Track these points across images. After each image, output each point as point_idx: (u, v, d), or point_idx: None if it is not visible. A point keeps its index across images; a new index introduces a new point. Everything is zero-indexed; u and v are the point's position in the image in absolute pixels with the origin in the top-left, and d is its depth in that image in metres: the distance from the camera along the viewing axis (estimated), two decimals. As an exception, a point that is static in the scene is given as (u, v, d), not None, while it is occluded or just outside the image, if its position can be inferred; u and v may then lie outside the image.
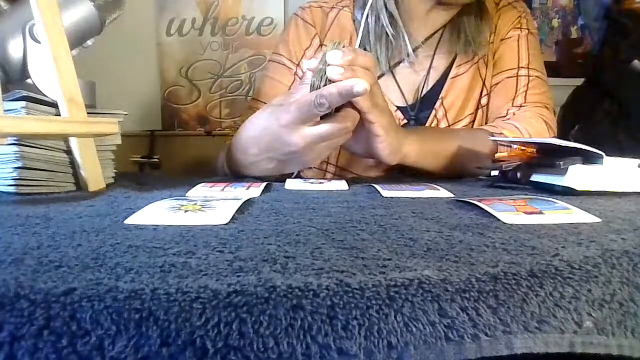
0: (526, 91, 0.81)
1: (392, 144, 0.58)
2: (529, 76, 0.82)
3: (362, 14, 0.78)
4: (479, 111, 0.84)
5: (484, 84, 0.84)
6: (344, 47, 0.52)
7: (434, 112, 0.82)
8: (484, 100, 0.84)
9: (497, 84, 0.84)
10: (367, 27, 0.81)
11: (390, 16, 0.80)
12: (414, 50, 0.81)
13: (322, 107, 0.50)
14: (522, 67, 0.83)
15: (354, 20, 0.85)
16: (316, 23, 0.87)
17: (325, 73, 0.50)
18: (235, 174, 0.65)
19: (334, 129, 0.52)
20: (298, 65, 0.86)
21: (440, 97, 0.82)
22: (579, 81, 1.45)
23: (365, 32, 0.81)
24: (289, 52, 0.86)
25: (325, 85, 0.50)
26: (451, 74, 0.82)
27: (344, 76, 0.50)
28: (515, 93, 0.82)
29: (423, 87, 0.83)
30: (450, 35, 0.83)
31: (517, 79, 0.82)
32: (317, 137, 0.52)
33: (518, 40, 0.84)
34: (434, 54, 0.83)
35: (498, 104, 0.83)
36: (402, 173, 0.76)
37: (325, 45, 0.85)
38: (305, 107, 0.51)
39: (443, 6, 0.80)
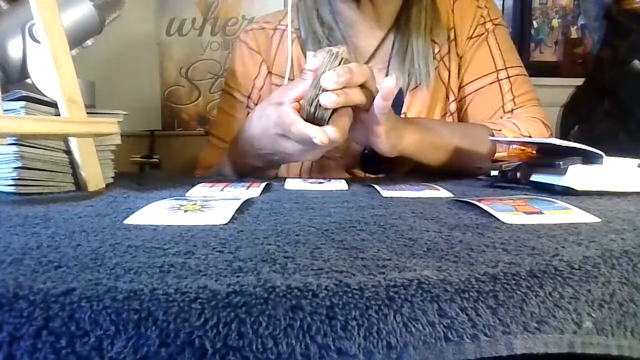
0: (513, 95, 0.79)
1: (391, 141, 0.58)
2: (509, 77, 0.79)
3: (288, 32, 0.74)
4: (449, 118, 0.81)
5: (449, 88, 0.80)
6: (341, 60, 0.50)
7: None
8: (452, 107, 0.81)
9: (476, 90, 0.80)
10: (306, 46, 0.78)
11: (330, 29, 0.77)
12: (366, 63, 0.78)
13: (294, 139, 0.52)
14: (500, 70, 0.80)
15: (299, 38, 0.80)
16: (261, 48, 0.84)
17: (316, 97, 0.49)
18: (241, 166, 0.66)
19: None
20: (249, 97, 0.83)
21: (402, 112, 0.78)
22: (579, 81, 1.45)
23: (305, 51, 0.78)
24: (237, 84, 0.84)
25: (315, 112, 0.50)
26: (410, 86, 0.78)
27: (337, 103, 0.49)
28: (503, 100, 0.79)
29: None
30: (398, 56, 0.78)
31: (499, 83, 0.79)
32: (308, 147, 0.54)
33: (487, 40, 0.81)
34: (388, 68, 0.79)
35: (486, 113, 0.80)
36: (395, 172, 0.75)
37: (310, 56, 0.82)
38: (286, 131, 0.52)
39: (377, 12, 0.77)
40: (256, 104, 0.83)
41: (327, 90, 0.49)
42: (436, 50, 0.80)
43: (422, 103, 0.79)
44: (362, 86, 0.52)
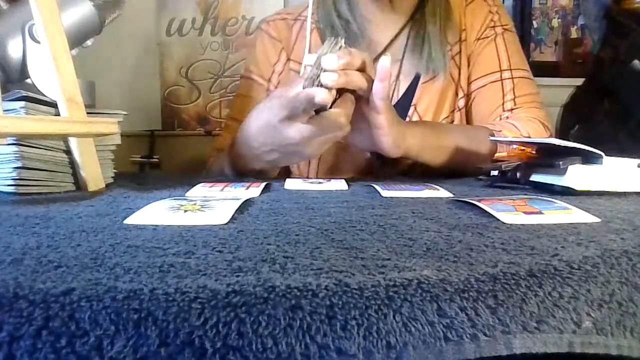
0: (514, 94, 0.80)
1: (395, 137, 0.59)
2: (513, 78, 0.80)
3: (307, 22, 0.77)
4: (457, 114, 0.83)
5: (458, 85, 0.82)
6: (340, 47, 0.52)
7: (407, 119, 0.80)
8: (460, 103, 0.83)
9: (480, 88, 0.82)
10: (323, 36, 0.80)
11: (346, 22, 0.79)
12: (380, 55, 0.79)
13: (298, 110, 0.52)
14: (504, 70, 0.81)
15: (318, 29, 0.83)
16: (281, 37, 0.87)
17: (318, 77, 0.51)
18: (240, 169, 0.66)
19: (328, 125, 0.53)
20: (269, 81, 0.86)
21: (412, 104, 0.80)
22: (579, 81, 1.45)
23: (323, 41, 0.80)
24: (258, 69, 0.86)
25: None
26: (422, 79, 0.80)
27: (338, 82, 0.51)
28: (504, 98, 0.80)
29: (393, 95, 0.81)
30: (414, 47, 0.80)
31: (501, 82, 0.81)
32: (312, 132, 0.54)
33: (495, 41, 0.82)
34: (402, 60, 0.81)
35: (487, 110, 0.81)
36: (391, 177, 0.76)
37: (311, 52, 0.84)
38: (291, 105, 0.53)
39: (394, 7, 0.79)
40: (276, 88, 0.85)
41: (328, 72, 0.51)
42: (447, 49, 0.81)
43: (431, 97, 0.80)
44: (361, 72, 0.54)
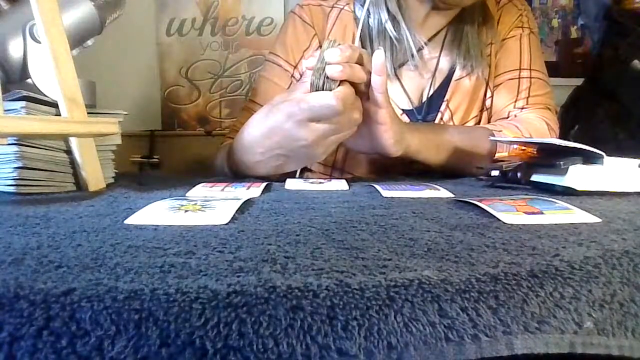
0: (528, 94, 0.81)
1: (396, 133, 0.59)
2: (530, 78, 0.82)
3: (362, 14, 0.78)
4: (484, 113, 0.84)
5: (487, 85, 0.84)
6: (339, 44, 0.53)
7: (439, 115, 0.81)
8: (488, 102, 0.84)
9: (499, 85, 0.84)
10: (369, 29, 0.80)
11: (393, 18, 0.79)
12: (418, 51, 0.80)
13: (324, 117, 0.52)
14: (524, 69, 0.83)
15: (355, 20, 0.83)
16: (315, 23, 0.85)
17: (324, 71, 0.52)
18: (239, 175, 0.65)
19: (344, 121, 0.53)
20: (295, 67, 0.84)
21: (445, 99, 0.81)
22: (579, 81, 1.45)
23: (367, 34, 0.80)
24: (286, 53, 0.84)
25: (324, 83, 0.52)
26: (455, 76, 0.81)
27: (344, 73, 0.51)
28: (517, 95, 0.82)
29: (430, 90, 0.82)
30: (452, 43, 0.82)
31: (519, 80, 0.82)
32: (327, 130, 0.53)
33: (520, 40, 0.84)
34: (439, 56, 0.83)
35: (500, 105, 0.83)
36: (408, 175, 0.76)
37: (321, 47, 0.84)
38: (322, 110, 0.52)
39: (441, 10, 0.80)
40: (302, 75, 0.83)
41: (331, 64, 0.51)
42: (485, 48, 0.83)
43: (463, 95, 0.81)
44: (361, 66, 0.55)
